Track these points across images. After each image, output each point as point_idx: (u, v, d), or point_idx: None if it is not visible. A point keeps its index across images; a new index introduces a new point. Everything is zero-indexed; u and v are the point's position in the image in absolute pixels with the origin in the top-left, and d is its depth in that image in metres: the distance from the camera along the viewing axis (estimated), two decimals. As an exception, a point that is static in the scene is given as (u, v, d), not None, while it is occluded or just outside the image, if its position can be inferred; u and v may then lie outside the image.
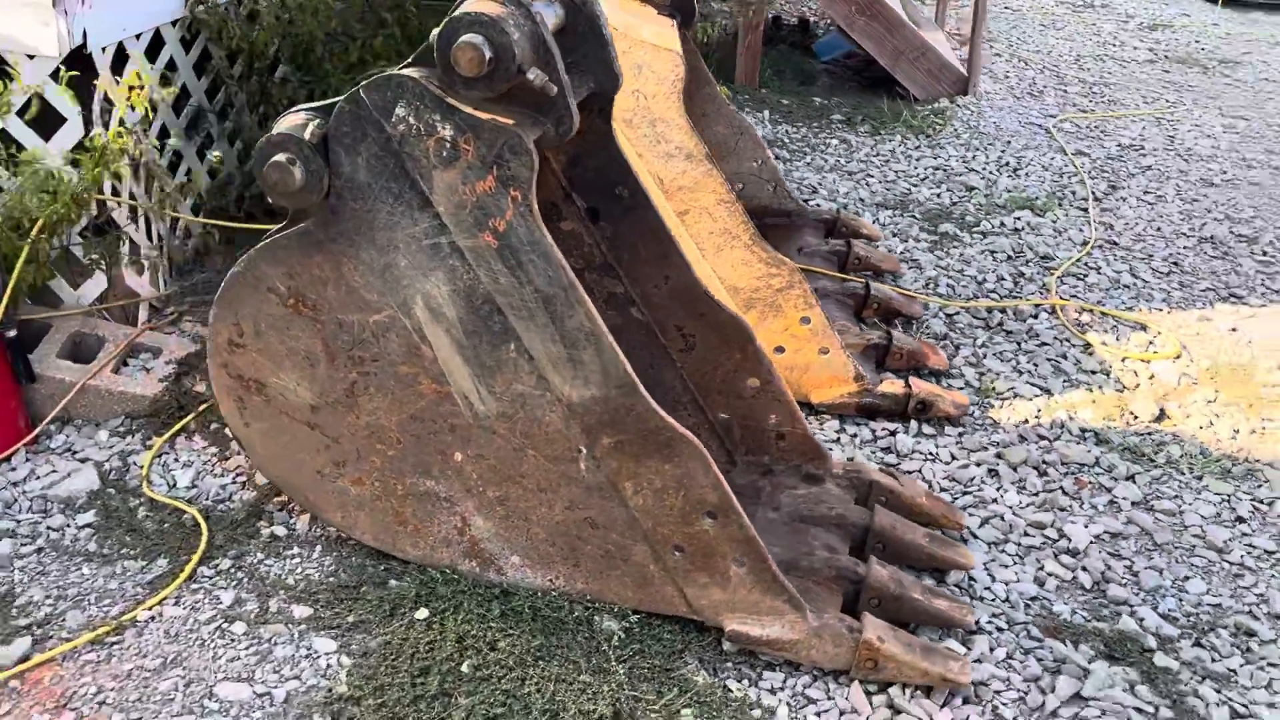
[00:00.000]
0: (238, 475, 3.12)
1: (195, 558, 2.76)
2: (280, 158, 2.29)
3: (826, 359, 3.40)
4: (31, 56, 3.20)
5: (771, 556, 2.45)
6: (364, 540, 2.76)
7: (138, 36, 3.67)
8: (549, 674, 2.41)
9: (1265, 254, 4.84)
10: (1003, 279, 4.47)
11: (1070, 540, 2.97)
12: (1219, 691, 2.50)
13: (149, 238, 3.71)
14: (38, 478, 3.03)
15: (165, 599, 2.64)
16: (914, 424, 3.46)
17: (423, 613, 2.57)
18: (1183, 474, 3.29)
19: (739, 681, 2.47)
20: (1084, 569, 2.88)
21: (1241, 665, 2.58)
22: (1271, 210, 5.33)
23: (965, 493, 3.18)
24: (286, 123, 2.35)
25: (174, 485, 3.09)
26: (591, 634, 2.53)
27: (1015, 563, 2.89)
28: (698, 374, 2.97)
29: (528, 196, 2.24)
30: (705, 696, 2.40)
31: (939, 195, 5.34)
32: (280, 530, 2.89)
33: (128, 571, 2.75)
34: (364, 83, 2.23)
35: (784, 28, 8.13)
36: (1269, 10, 10.02)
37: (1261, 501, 3.18)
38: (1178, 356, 3.93)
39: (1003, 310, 4.19)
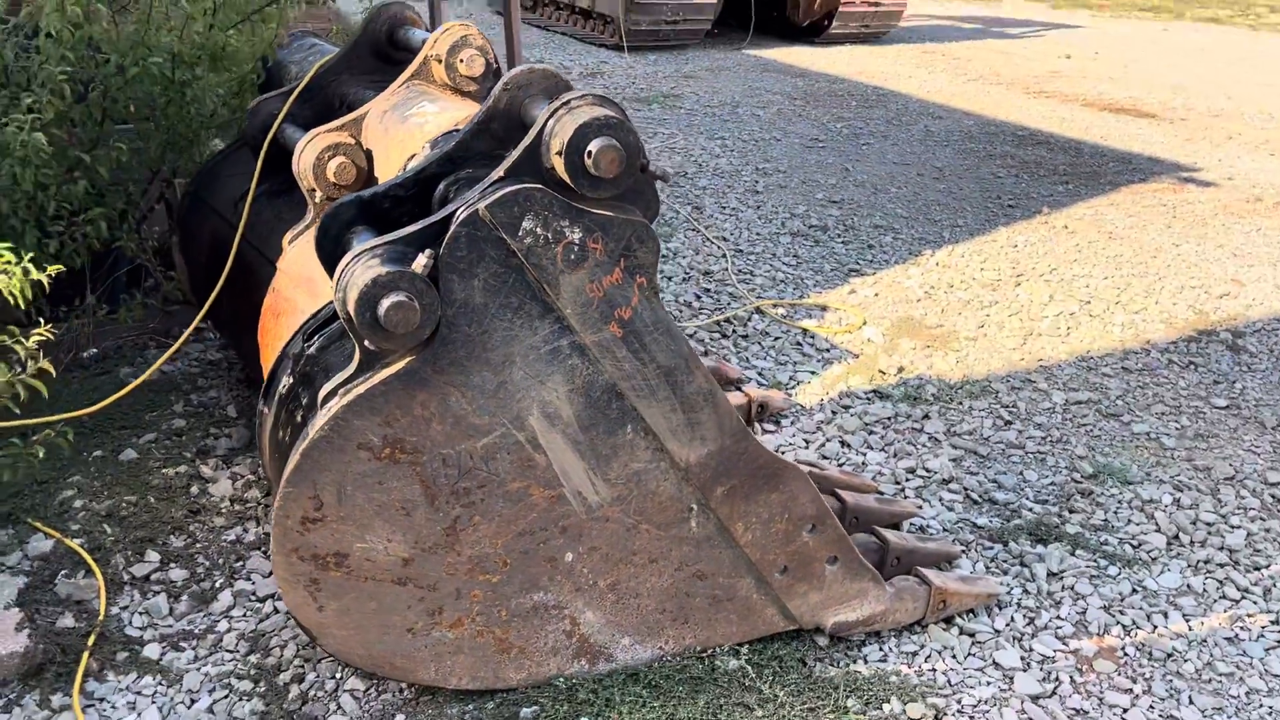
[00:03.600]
0: (212, 692, 2.67)
1: (286, 783, 2.37)
2: (400, 297, 2.13)
3: (691, 390, 3.75)
4: None
5: (848, 546, 2.81)
6: (459, 685, 2.58)
7: None
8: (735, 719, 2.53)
9: (840, 236, 6.08)
10: (698, 296, 5.12)
11: (939, 473, 3.69)
12: (1114, 536, 3.37)
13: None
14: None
15: (297, 836, 2.26)
16: (757, 426, 3.95)
17: (584, 722, 2.51)
18: (948, 403, 4.19)
19: (855, 663, 2.79)
20: (965, 489, 3.61)
21: (1106, 515, 3.49)
22: (812, 204, 6.64)
23: (841, 463, 3.75)
24: (375, 263, 2.17)
25: (142, 733, 2.56)
26: (729, 677, 2.68)
27: (925, 502, 3.54)
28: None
29: (653, 280, 2.34)
30: (852, 685, 2.69)
31: (578, 242, 5.83)
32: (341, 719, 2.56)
33: (204, 836, 2.28)
34: (483, 203, 2.16)
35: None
36: (658, 52, 11.96)
37: (1008, 406, 4.19)
38: (865, 323, 4.89)
39: (726, 321, 4.84)
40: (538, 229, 2.21)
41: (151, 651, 2.78)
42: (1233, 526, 3.44)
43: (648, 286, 2.35)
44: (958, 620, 2.93)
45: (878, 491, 3.50)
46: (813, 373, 4.41)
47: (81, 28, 3.39)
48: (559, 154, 2.20)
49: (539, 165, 2.25)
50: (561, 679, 2.62)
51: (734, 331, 4.76)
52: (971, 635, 2.90)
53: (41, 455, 2.76)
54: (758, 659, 2.75)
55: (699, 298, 5.11)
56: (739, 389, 4.01)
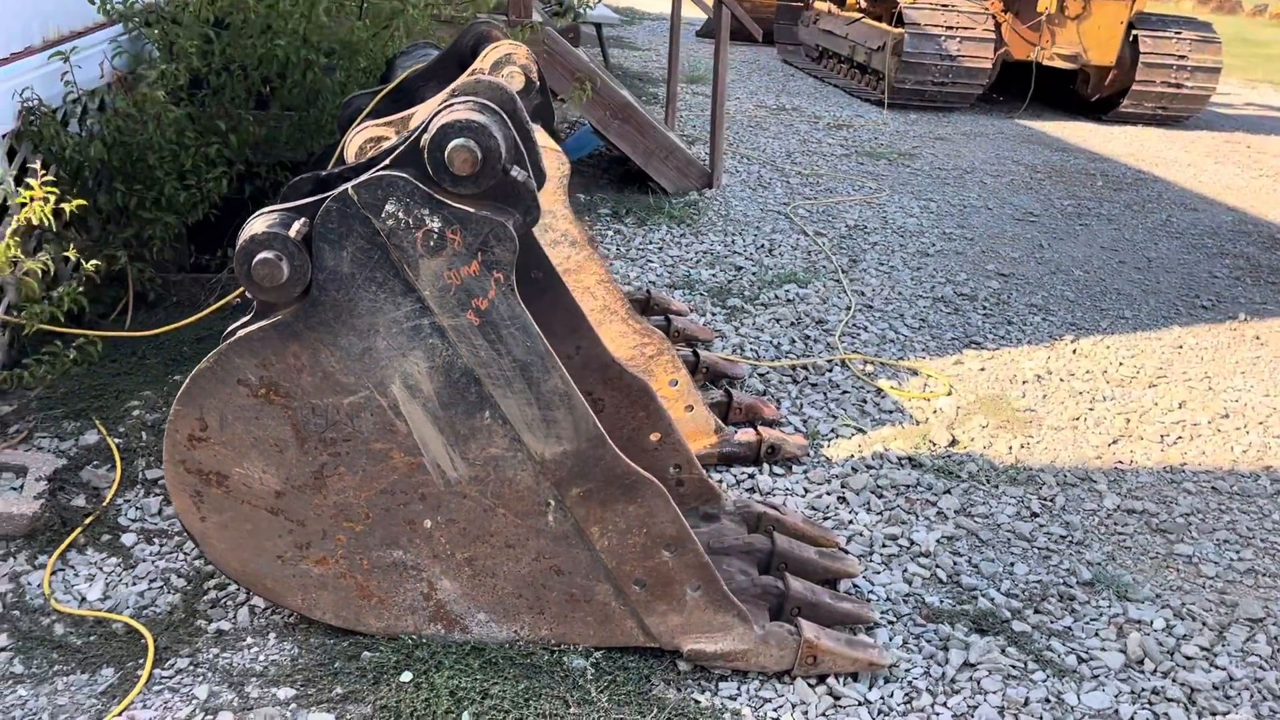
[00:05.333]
0: (152, 581, 3.10)
1: (148, 660, 2.74)
2: (268, 254, 2.45)
3: (691, 415, 3.84)
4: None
5: (719, 579, 2.82)
6: (324, 619, 2.85)
7: (-25, 148, 3.59)
8: (542, 711, 2.63)
9: (985, 308, 5.84)
10: (794, 341, 5.13)
11: (920, 545, 3.55)
12: (1064, 644, 3.12)
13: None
14: (-60, 607, 2.87)
15: (131, 704, 2.61)
16: (766, 466, 3.96)
17: (407, 675, 2.71)
18: (983, 484, 3.99)
19: (702, 694, 2.80)
20: (938, 566, 3.45)
21: (1073, 623, 3.23)
22: (978, 273, 6.40)
23: (826, 517, 3.69)
24: (263, 222, 2.51)
25: (83, 600, 3.02)
26: (566, 673, 2.78)
27: (884, 568, 3.42)
28: (607, 433, 3.30)
29: (509, 277, 2.53)
30: (680, 710, 2.71)
31: (715, 275, 5.99)
32: (225, 625, 2.91)
33: (72, 686, 2.69)
34: (352, 183, 2.45)
35: (530, 131, 8.67)
36: (921, 111, 11.79)
37: (1045, 499, 3.92)
38: (949, 393, 4.71)
39: (804, 367, 4.83)
40: (399, 213, 2.47)
41: (128, 539, 3.27)
42: (1215, 666, 3.07)
43: (504, 283, 2.53)
44: (831, 681, 2.86)
45: (837, 547, 3.43)
46: (859, 429, 4.33)
47: (224, 10, 4.01)
48: (423, 149, 2.45)
49: (420, 158, 2.50)
50: (413, 636, 2.83)
51: (805, 378, 4.75)
52: (836, 699, 2.81)
53: (73, 357, 3.33)
54: (606, 665, 2.82)
55: (794, 342, 5.12)
56: (754, 427, 4.03)
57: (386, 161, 2.54)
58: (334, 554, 2.78)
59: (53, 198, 3.07)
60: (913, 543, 3.58)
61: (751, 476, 3.90)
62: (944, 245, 6.91)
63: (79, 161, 3.96)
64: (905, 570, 3.42)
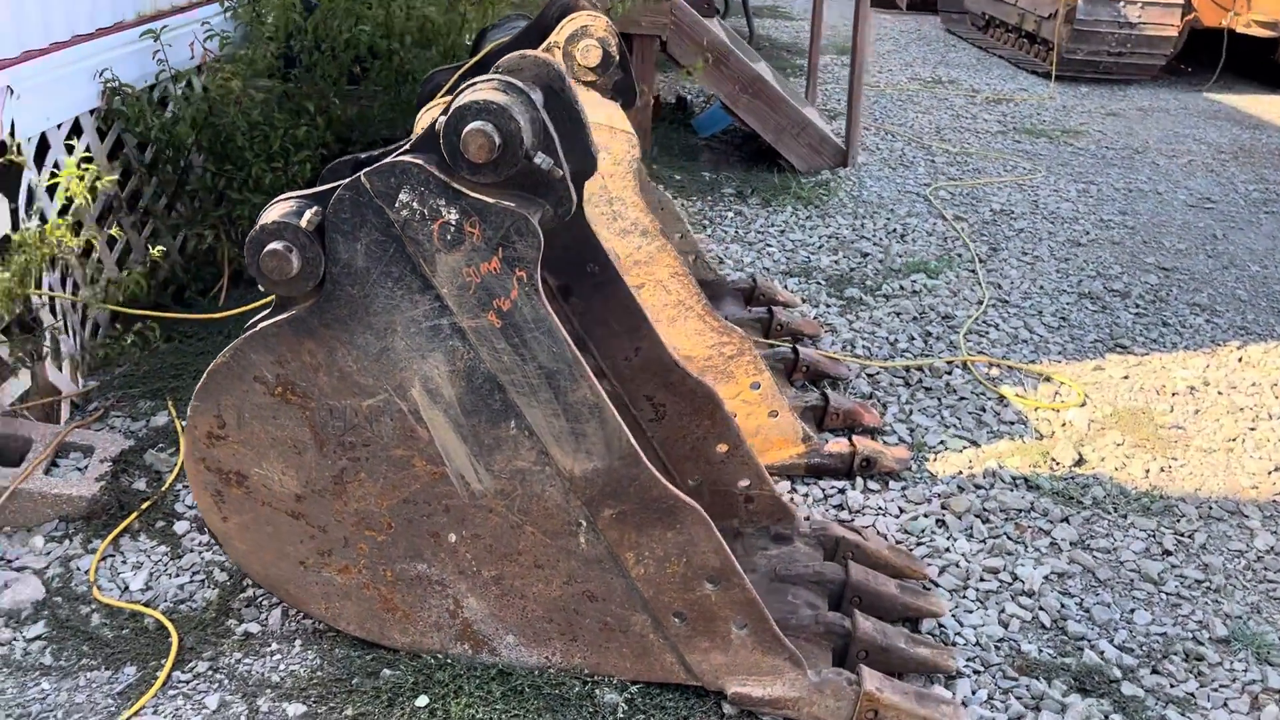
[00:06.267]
0: (195, 574, 3.02)
1: (168, 663, 2.65)
2: (277, 245, 2.28)
3: (776, 421, 3.52)
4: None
5: (770, 616, 2.52)
6: (348, 630, 2.69)
7: (59, 126, 3.58)
8: (562, 751, 2.40)
9: (1138, 307, 5.25)
10: (913, 339, 4.72)
11: (1024, 582, 3.14)
12: (1183, 715, 2.68)
13: (67, 332, 3.56)
14: (-24, 592, 2.85)
15: (142, 709, 2.52)
16: (859, 481, 3.60)
17: (423, 700, 2.52)
18: (1109, 513, 3.52)
19: (746, 743, 2.51)
20: (1041, 608, 3.04)
21: (1198, 689, 2.77)
22: (1135, 266, 5.79)
23: (919, 543, 3.32)
24: (277, 210, 2.34)
25: (126, 589, 2.96)
26: (595, 708, 2.54)
27: (979, 607, 3.04)
28: (668, 442, 3.04)
29: (533, 276, 2.29)
30: (717, 760, 2.43)
31: (838, 262, 5.60)
32: (253, 627, 2.79)
33: (93, 683, 2.62)
34: (365, 170, 2.25)
35: (663, 106, 8.40)
36: (1094, 84, 10.91)
37: (1182, 534, 3.43)
38: (1083, 404, 4.22)
39: (919, 369, 4.42)
40: (414, 203, 2.25)
41: (180, 528, 3.20)
42: (1371, 756, 2.58)
43: (528, 282, 2.29)
44: (895, 740, 2.52)
45: (925, 579, 3.07)
46: (972, 442, 3.90)
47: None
48: (439, 133, 2.22)
49: (437, 143, 2.28)
50: (435, 655, 2.64)
51: (919, 381, 4.34)
52: (898, 761, 2.47)
53: (130, 342, 3.27)
54: (641, 701, 2.57)
55: (913, 340, 4.70)
56: (849, 436, 3.68)
57: (406, 146, 2.32)
58: (356, 563, 2.61)
59: (89, 176, 3.00)
60: (1016, 578, 3.17)
61: (842, 492, 3.56)
62: (1099, 234, 6.29)
63: (164, 141, 3.93)
64: (1003, 610, 3.03)
